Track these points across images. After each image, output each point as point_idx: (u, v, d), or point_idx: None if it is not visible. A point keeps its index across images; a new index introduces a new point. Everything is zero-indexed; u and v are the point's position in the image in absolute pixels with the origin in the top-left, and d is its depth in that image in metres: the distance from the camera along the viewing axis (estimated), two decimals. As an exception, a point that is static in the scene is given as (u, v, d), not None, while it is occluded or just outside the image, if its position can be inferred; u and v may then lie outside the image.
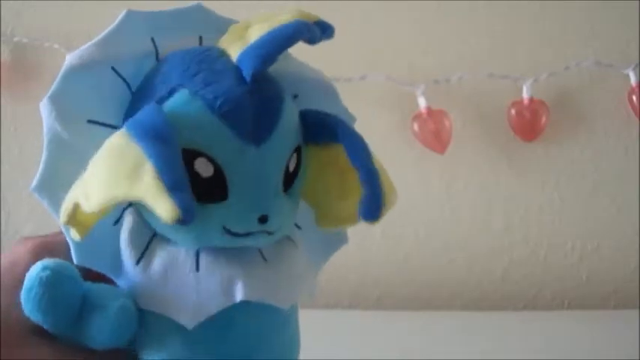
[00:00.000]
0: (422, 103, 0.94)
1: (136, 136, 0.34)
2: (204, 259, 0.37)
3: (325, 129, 0.39)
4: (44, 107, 0.37)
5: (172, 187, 0.32)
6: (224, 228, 0.36)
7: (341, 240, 0.44)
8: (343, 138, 0.38)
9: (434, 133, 0.95)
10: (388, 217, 1.05)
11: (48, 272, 0.36)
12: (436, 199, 0.99)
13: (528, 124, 0.95)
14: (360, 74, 0.94)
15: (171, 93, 0.37)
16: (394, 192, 0.39)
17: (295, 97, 0.41)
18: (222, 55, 0.38)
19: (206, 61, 0.37)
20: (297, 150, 0.38)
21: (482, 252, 0.99)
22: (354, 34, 0.97)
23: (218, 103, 0.36)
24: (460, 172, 0.98)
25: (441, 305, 0.99)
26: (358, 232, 1.06)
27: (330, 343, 0.77)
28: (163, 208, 0.32)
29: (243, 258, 0.38)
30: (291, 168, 0.38)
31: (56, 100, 0.37)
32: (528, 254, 0.99)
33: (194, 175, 0.35)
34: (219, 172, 0.36)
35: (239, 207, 0.36)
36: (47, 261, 0.37)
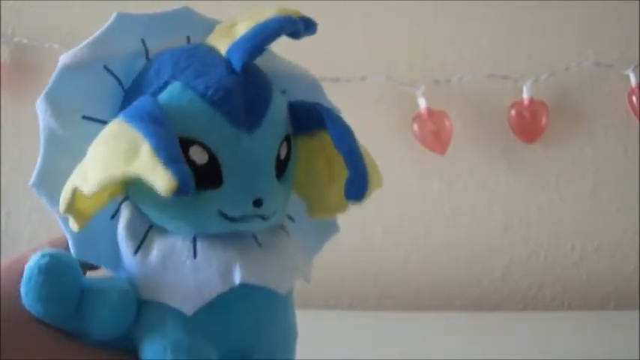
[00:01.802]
0: (422, 103, 0.95)
1: (131, 122, 0.35)
2: (200, 246, 0.38)
3: (311, 116, 0.40)
4: (40, 105, 0.38)
5: (168, 160, 0.33)
6: (220, 213, 0.37)
7: (332, 229, 0.45)
8: (328, 122, 0.39)
9: (434, 133, 0.95)
10: (388, 217, 1.05)
11: (47, 259, 0.37)
12: (436, 200, 0.99)
13: (528, 124, 0.95)
14: (360, 75, 0.94)
15: (163, 86, 0.38)
16: (379, 175, 0.40)
17: (284, 92, 0.42)
18: (212, 50, 0.39)
19: (196, 55, 0.39)
20: (287, 139, 0.40)
21: (482, 252, 0.99)
22: (355, 35, 0.97)
23: (209, 92, 0.37)
24: (460, 172, 0.98)
25: (441, 305, 0.99)
26: (358, 231, 1.06)
27: (329, 343, 0.77)
28: (160, 180, 0.33)
29: (239, 244, 0.39)
30: (282, 155, 0.39)
31: (51, 98, 0.38)
32: (528, 254, 0.99)
33: (189, 163, 0.36)
34: (213, 159, 0.37)
35: (234, 191, 0.37)
36: (45, 249, 0.37)
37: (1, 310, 0.38)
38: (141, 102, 0.37)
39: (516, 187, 0.98)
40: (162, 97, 0.37)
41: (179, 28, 0.41)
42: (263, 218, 0.38)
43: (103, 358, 0.38)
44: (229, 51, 0.38)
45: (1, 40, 0.99)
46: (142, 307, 0.38)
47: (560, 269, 0.99)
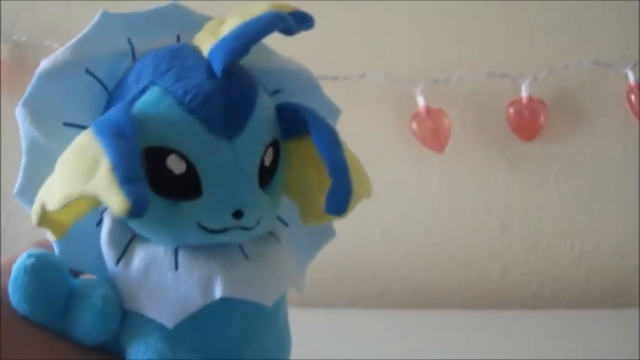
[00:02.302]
0: (421, 102, 0.95)
1: (98, 134, 0.34)
2: (182, 257, 0.37)
3: (298, 121, 0.38)
4: (19, 112, 0.38)
5: (124, 180, 0.32)
6: (199, 224, 0.36)
7: (329, 234, 0.44)
8: (312, 129, 0.37)
9: (433, 132, 0.95)
10: (387, 216, 1.05)
11: (33, 259, 0.36)
12: (435, 198, 0.99)
13: (527, 123, 0.95)
14: (359, 73, 0.94)
15: (143, 91, 0.37)
16: (367, 185, 0.39)
17: (278, 91, 0.41)
18: (195, 51, 0.38)
19: (178, 57, 0.37)
20: (274, 145, 0.38)
21: (481, 250, 0.99)
22: (354, 33, 0.97)
23: (187, 98, 0.36)
24: (459, 171, 0.98)
25: (440, 304, 0.99)
26: (357, 230, 1.06)
27: (328, 342, 0.77)
28: (114, 201, 0.32)
29: (222, 255, 0.37)
30: (267, 162, 0.38)
31: (30, 105, 0.38)
32: (527, 253, 0.99)
33: (167, 173, 0.35)
34: (191, 169, 0.36)
35: (213, 202, 0.36)
36: (32, 250, 0.37)
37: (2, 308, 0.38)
38: (113, 111, 0.36)
39: (515, 186, 0.98)
40: (140, 103, 0.36)
41: (168, 25, 0.40)
42: (245, 229, 0.37)
43: (93, 359, 0.38)
44: (211, 53, 0.36)
45: (1, 38, 0.99)
46: (126, 316, 0.38)
47: (559, 268, 0.99)
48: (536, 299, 0.99)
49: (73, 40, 0.38)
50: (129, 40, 0.39)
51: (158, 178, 0.36)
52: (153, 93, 0.36)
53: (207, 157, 0.36)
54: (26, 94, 0.38)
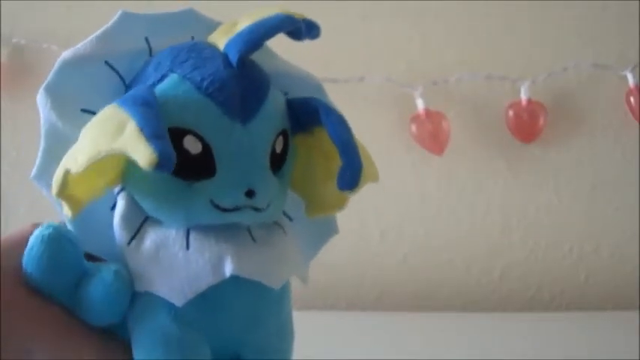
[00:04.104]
0: (420, 104, 0.95)
1: (122, 105, 0.36)
2: (193, 238, 0.38)
3: (309, 111, 0.40)
4: (40, 98, 0.39)
5: (152, 136, 0.34)
6: (212, 203, 0.37)
7: (331, 230, 0.45)
8: (322, 114, 0.39)
9: (432, 134, 0.95)
10: (387, 218, 1.05)
11: (50, 230, 0.37)
12: (434, 201, 0.99)
13: (526, 125, 0.95)
14: (358, 75, 0.95)
15: (162, 79, 0.38)
16: (374, 169, 0.40)
17: (285, 94, 0.42)
18: (211, 46, 0.40)
19: (195, 50, 0.39)
20: (284, 134, 0.40)
21: (481, 253, 0.99)
22: (353, 36, 0.97)
23: (205, 83, 0.37)
24: (458, 173, 0.98)
25: (439, 306, 0.99)
26: (357, 232, 1.06)
27: (328, 344, 0.77)
28: (142, 154, 0.34)
29: (232, 237, 0.38)
30: (278, 149, 0.39)
31: (51, 91, 0.39)
32: (526, 255, 0.99)
33: (184, 153, 0.37)
34: (207, 149, 0.37)
35: (226, 181, 0.37)
36: (50, 222, 0.38)
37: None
38: (136, 89, 0.38)
39: (515, 188, 0.99)
40: (160, 88, 0.38)
41: (183, 28, 0.42)
42: (256, 210, 0.38)
43: (93, 341, 0.39)
44: (227, 45, 0.38)
45: (1, 41, 0.99)
46: (135, 298, 0.38)
47: (558, 270, 0.99)
48: (536, 301, 0.99)
49: (93, 35, 0.40)
50: (146, 39, 0.41)
51: (176, 158, 0.36)
52: (172, 79, 0.38)
53: (222, 138, 0.37)
54: (47, 80, 0.39)
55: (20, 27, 0.99)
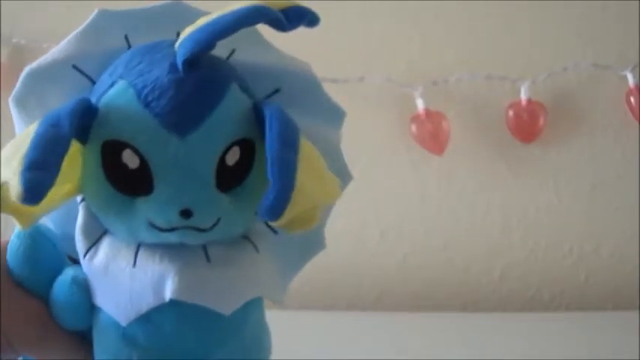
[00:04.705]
0: (420, 104, 0.94)
1: (38, 123, 0.35)
2: (141, 254, 0.36)
3: (264, 119, 0.36)
4: (11, 108, 0.39)
5: (27, 167, 0.32)
6: (149, 222, 0.35)
7: (318, 245, 0.42)
8: (267, 124, 0.35)
9: (432, 134, 0.95)
10: (386, 218, 1.05)
11: (30, 228, 0.38)
12: (434, 201, 0.99)
13: (526, 125, 0.95)
14: (358, 75, 0.94)
15: (112, 85, 0.36)
16: (328, 191, 0.36)
17: (277, 91, 0.39)
18: (172, 45, 0.37)
19: (151, 51, 0.37)
20: (243, 144, 0.36)
21: (481, 253, 0.99)
22: (353, 35, 0.97)
23: (145, 92, 0.35)
24: (458, 173, 0.98)
25: (439, 306, 0.99)
26: (356, 232, 1.06)
27: (328, 344, 0.77)
28: (14, 186, 0.32)
29: (182, 256, 0.36)
30: (231, 162, 0.36)
31: (19, 102, 0.39)
32: (526, 255, 0.99)
33: (123, 167, 0.35)
34: (145, 164, 0.35)
35: (160, 200, 0.35)
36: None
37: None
38: (71, 101, 0.36)
39: (515, 188, 0.98)
40: (107, 96, 0.36)
41: (168, 23, 0.39)
42: (198, 230, 0.35)
43: (66, 341, 0.39)
44: (178, 45, 0.35)
45: (1, 41, 0.99)
46: (95, 310, 0.38)
47: (558, 270, 0.99)
48: (536, 301, 0.99)
49: (67, 38, 0.39)
50: (126, 37, 0.39)
51: (116, 172, 0.35)
52: (119, 87, 0.36)
53: (158, 152, 0.35)
54: (13, 92, 0.39)
55: (20, 27, 0.99)
